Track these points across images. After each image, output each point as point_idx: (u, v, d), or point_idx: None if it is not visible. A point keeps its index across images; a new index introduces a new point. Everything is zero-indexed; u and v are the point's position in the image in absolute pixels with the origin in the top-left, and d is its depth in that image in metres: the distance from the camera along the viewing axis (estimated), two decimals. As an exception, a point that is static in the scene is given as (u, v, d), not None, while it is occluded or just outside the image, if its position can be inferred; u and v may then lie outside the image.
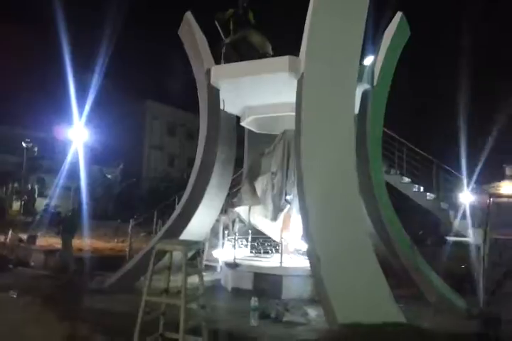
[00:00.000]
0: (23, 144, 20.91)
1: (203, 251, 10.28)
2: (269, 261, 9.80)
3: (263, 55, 9.04)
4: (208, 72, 9.35)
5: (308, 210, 7.92)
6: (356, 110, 9.27)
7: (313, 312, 7.56)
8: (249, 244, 11.00)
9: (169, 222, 10.47)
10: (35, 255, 13.32)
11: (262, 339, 6.29)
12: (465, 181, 11.93)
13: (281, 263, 9.09)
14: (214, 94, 9.53)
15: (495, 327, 7.74)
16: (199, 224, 10.72)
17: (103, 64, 24.80)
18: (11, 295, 8.45)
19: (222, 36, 9.73)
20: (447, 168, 12.23)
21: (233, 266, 9.44)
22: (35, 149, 37.22)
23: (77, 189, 25.58)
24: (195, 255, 7.15)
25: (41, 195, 28.31)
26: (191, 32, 9.63)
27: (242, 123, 10.61)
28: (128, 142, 34.63)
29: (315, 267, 7.52)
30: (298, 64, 8.44)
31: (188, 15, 9.64)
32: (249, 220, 10.61)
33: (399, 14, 9.17)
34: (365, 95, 9.28)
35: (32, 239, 14.94)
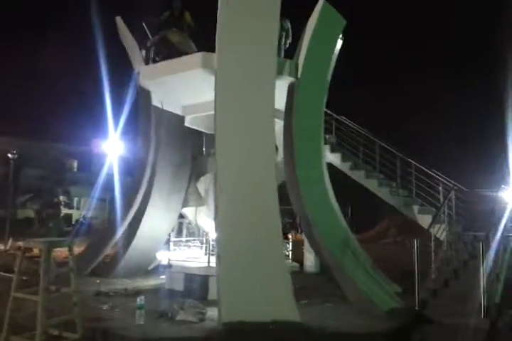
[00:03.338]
0: (9, 155, 20.98)
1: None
2: (201, 262, 9.64)
3: (183, 54, 9.00)
4: (138, 74, 9.47)
5: (219, 208, 7.74)
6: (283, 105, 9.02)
7: (213, 312, 7.31)
8: (204, 245, 10.89)
9: (122, 228, 10.60)
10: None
11: (133, 336, 6.18)
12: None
13: (208, 263, 8.90)
14: (145, 95, 9.61)
15: (417, 327, 7.30)
16: (156, 228, 10.80)
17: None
18: None
19: (151, 39, 9.83)
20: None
21: (167, 267, 9.36)
22: (75, 163, 39.29)
23: (112, 200, 26.62)
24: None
25: (67, 206, 29.62)
26: (123, 36, 9.83)
27: (186, 124, 10.58)
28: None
29: (216, 265, 7.33)
30: (212, 60, 8.35)
31: (118, 20, 9.86)
32: (196, 221, 10.54)
33: (321, 2, 8.82)
34: (290, 88, 8.99)
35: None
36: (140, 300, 6.80)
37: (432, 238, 9.01)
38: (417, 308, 7.83)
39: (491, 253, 8.46)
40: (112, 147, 27.04)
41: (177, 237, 11.26)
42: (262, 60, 8.27)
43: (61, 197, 29.85)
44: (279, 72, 8.54)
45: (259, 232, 7.50)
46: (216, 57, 8.19)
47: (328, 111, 12.91)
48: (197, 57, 8.45)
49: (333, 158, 12.30)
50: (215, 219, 7.82)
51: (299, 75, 8.85)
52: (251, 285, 6.93)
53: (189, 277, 8.98)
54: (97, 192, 27.14)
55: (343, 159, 12.15)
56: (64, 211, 32.16)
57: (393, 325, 7.10)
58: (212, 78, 8.37)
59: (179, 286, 9.11)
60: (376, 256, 13.81)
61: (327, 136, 12.95)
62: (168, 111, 10.51)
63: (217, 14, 8.16)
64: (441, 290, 8.38)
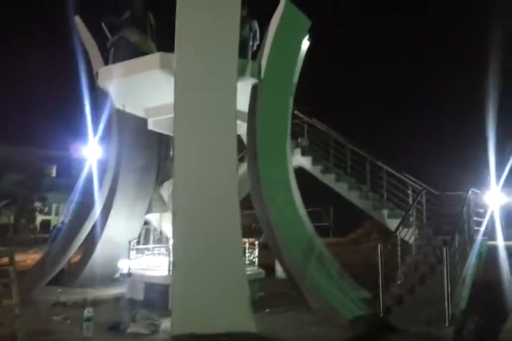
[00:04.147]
0: None
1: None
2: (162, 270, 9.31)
3: (142, 54, 8.72)
4: (97, 75, 9.15)
5: (175, 214, 7.44)
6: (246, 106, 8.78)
7: (167, 324, 7.00)
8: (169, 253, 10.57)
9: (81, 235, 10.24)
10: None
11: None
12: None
13: (169, 271, 8.57)
14: (104, 96, 9.30)
15: (380, 336, 7.11)
16: (120, 235, 10.43)
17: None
18: None
19: (110, 39, 9.55)
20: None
21: (127, 276, 9.02)
22: (53, 169, 38.56)
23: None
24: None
25: (41, 212, 29.01)
26: (82, 36, 9.52)
27: (149, 127, 10.27)
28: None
29: (171, 274, 7.03)
30: (171, 61, 8.06)
31: (77, 19, 9.55)
32: (161, 228, 10.22)
33: (283, 2, 8.60)
34: (254, 90, 8.75)
35: None
36: (88, 311, 6.45)
37: (399, 242, 8.79)
38: (381, 315, 7.64)
39: (456, 257, 8.33)
40: (91, 151, 26.66)
41: (144, 244, 10.93)
42: (223, 60, 8.02)
43: (36, 204, 29.18)
44: (242, 73, 8.30)
45: (218, 239, 7.21)
46: (175, 57, 7.92)
47: (300, 114, 12.80)
48: (155, 57, 8.18)
49: (303, 161, 12.13)
50: (172, 225, 7.52)
51: (262, 76, 8.60)
52: (206, 294, 6.64)
53: (149, 286, 8.66)
54: (75, 196, 26.65)
55: (314, 162, 11.98)
56: (41, 217, 31.53)
57: (354, 334, 6.89)
58: (172, 79, 8.11)
59: (139, 296, 8.78)
60: (352, 259, 13.68)
61: (299, 140, 12.79)
62: (132, 114, 10.22)
63: (176, 13, 7.90)
64: (407, 296, 8.19)
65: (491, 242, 10.81)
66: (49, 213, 33.33)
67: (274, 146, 8.93)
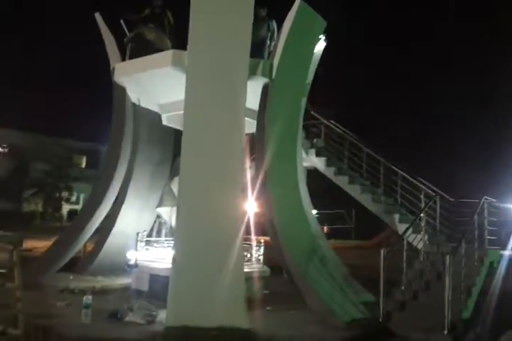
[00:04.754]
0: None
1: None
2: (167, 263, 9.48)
3: (158, 51, 8.87)
4: (113, 71, 9.39)
5: (179, 209, 7.58)
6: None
7: (164, 315, 7.14)
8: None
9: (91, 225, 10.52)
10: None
11: (71, 335, 6.07)
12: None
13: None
14: (120, 91, 9.54)
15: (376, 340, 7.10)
16: (132, 226, 10.68)
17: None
18: None
19: (128, 35, 9.76)
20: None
21: (133, 266, 9.23)
22: (83, 160, 39.62)
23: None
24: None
25: (68, 201, 29.89)
26: (102, 32, 9.77)
27: (163, 122, 10.45)
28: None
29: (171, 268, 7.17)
30: (183, 58, 8.19)
31: (97, 16, 9.81)
32: (171, 221, 10.38)
33: (297, 2, 8.59)
34: (265, 89, 8.79)
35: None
36: (86, 298, 6.68)
37: (405, 247, 8.69)
38: (380, 320, 7.59)
39: (462, 265, 8.16)
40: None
41: (157, 237, 11.15)
42: (234, 59, 8.09)
43: (63, 193, 30.08)
44: (253, 72, 8.36)
45: (218, 235, 7.30)
46: (187, 55, 8.04)
47: (317, 115, 12.77)
48: (167, 54, 8.33)
49: (317, 162, 12.09)
50: (175, 219, 7.67)
51: (273, 76, 8.63)
52: (202, 288, 6.75)
53: (154, 278, 8.83)
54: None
55: (328, 164, 11.92)
56: (68, 206, 32.43)
57: (350, 336, 6.87)
58: (184, 76, 8.23)
59: (144, 286, 8.97)
60: (366, 262, 13.52)
61: (315, 140, 12.76)
62: (148, 109, 10.44)
63: (190, 11, 8.01)
64: (409, 302, 8.10)
65: (505, 252, 10.53)
66: (77, 203, 34.21)
67: (283, 146, 8.92)
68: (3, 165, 30.50)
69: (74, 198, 32.40)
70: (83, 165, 38.82)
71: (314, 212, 32.65)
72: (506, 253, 10.38)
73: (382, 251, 7.85)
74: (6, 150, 20.78)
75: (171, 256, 8.40)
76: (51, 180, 29.35)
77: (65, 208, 31.67)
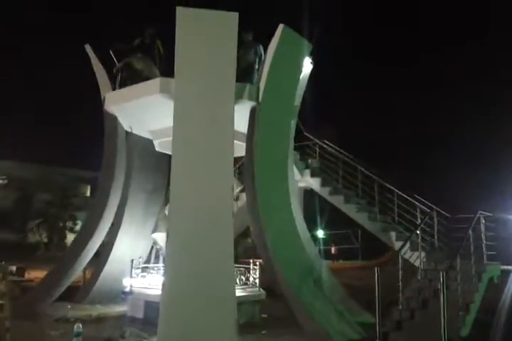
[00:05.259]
0: None
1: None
2: (162, 289, 9.42)
3: (146, 79, 9.07)
4: (104, 100, 9.60)
5: (169, 236, 7.62)
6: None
7: (156, 341, 7.09)
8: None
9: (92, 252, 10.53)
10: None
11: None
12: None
13: (167, 290, 8.68)
14: (110, 120, 9.71)
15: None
16: (129, 254, 10.67)
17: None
18: None
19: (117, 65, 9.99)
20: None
21: (128, 294, 9.19)
22: (88, 189, 39.81)
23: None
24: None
25: (72, 230, 29.81)
26: (92, 63, 10.03)
27: (156, 148, 10.58)
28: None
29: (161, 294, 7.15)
30: (170, 85, 8.37)
31: (87, 47, 10.09)
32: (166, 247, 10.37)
33: (280, 27, 8.80)
34: (252, 112, 8.92)
35: (21, 271, 15.72)
36: (77, 327, 6.63)
37: (400, 265, 8.60)
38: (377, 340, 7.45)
39: (458, 281, 8.06)
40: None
41: (155, 263, 11.13)
42: (220, 84, 8.28)
43: (67, 223, 30.11)
44: (240, 96, 8.51)
45: (210, 262, 7.33)
46: (174, 82, 8.22)
47: (310, 136, 12.90)
48: (155, 82, 8.52)
49: (312, 182, 12.13)
50: (166, 245, 7.69)
51: (260, 99, 8.77)
52: (193, 315, 6.74)
53: (149, 304, 8.78)
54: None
55: (323, 184, 11.96)
56: (72, 236, 32.31)
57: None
58: (172, 103, 8.40)
59: (139, 313, 8.93)
60: (369, 283, 13.34)
61: (309, 161, 12.84)
62: (141, 136, 10.60)
63: (175, 39, 8.22)
64: (406, 322, 7.97)
65: (505, 267, 10.40)
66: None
67: (272, 169, 9.01)
68: (7, 196, 30.71)
69: (78, 227, 32.34)
70: (88, 194, 38.92)
71: (321, 232, 32.27)
72: (508, 267, 10.27)
73: (376, 270, 7.77)
74: (6, 181, 20.78)
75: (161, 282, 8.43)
76: (55, 210, 29.43)
77: (70, 238, 31.53)
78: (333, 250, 35.10)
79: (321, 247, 31.19)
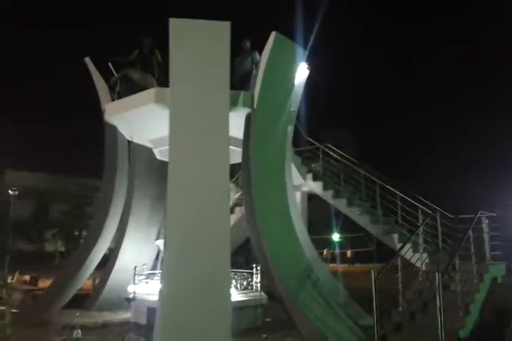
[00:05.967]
0: (10, 191, 21.39)
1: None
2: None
3: (143, 90, 9.27)
4: (104, 111, 9.85)
5: (166, 241, 7.76)
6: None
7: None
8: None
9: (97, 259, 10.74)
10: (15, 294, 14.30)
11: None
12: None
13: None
14: (110, 130, 9.94)
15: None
16: (135, 260, 10.84)
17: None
18: None
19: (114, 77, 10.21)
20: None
21: (131, 300, 9.34)
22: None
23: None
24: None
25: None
26: (92, 75, 10.30)
27: (157, 156, 10.76)
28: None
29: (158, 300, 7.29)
30: (166, 95, 8.55)
31: (87, 60, 10.36)
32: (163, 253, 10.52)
33: (273, 34, 8.92)
34: (247, 119, 9.04)
35: (34, 280, 16.07)
36: (76, 333, 6.81)
37: (399, 267, 8.58)
38: (375, 343, 7.44)
39: (456, 282, 8.01)
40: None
41: (161, 269, 11.28)
42: (215, 92, 8.43)
43: (83, 232, 30.62)
44: (234, 104, 8.65)
45: (206, 268, 7.46)
46: (169, 91, 8.40)
47: (312, 141, 12.97)
48: (150, 92, 8.71)
49: (315, 186, 12.17)
50: (164, 252, 7.83)
51: (254, 106, 8.89)
52: (188, 321, 6.85)
53: (151, 310, 8.90)
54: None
55: (325, 187, 11.99)
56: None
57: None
58: (168, 112, 8.57)
59: (142, 320, 9.06)
60: (381, 286, 13.22)
61: (312, 165, 12.89)
62: (143, 145, 10.81)
63: (169, 49, 8.40)
64: (406, 324, 7.94)
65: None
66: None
67: (269, 174, 9.08)
68: (24, 207, 31.39)
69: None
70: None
71: (337, 236, 32.05)
72: (513, 267, 10.12)
73: (372, 272, 7.77)
74: (17, 192, 21.07)
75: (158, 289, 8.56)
76: (71, 219, 30.01)
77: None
78: (348, 254, 34.95)
79: (338, 251, 31.15)
